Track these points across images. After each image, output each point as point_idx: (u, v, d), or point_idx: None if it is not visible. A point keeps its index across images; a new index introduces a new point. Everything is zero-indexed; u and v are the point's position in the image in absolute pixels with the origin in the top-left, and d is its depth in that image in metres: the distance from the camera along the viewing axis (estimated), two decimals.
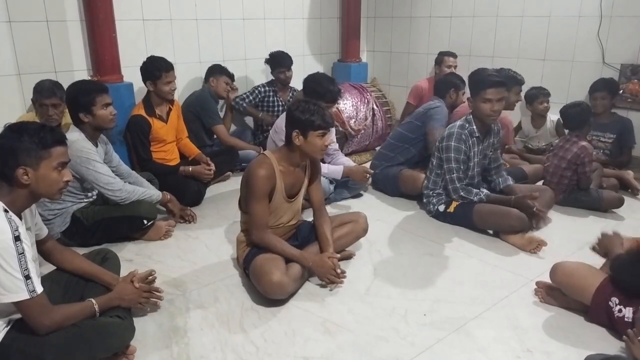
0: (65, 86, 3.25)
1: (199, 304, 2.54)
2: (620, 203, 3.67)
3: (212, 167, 3.87)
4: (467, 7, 5.19)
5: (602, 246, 2.55)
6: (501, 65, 4.60)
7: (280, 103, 4.88)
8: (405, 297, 2.61)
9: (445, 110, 3.94)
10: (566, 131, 3.87)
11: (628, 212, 3.66)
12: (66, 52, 3.97)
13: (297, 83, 4.86)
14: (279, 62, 4.78)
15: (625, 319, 2.12)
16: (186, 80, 4.66)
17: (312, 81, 3.57)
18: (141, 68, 3.79)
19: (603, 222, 3.51)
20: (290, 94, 5.00)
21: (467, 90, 3.60)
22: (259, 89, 4.84)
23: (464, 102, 4.05)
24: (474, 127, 3.32)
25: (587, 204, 3.70)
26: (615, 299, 2.17)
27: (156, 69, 3.72)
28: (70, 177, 1.97)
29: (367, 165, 4.35)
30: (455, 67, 5.02)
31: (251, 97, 4.81)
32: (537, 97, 4.55)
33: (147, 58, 3.81)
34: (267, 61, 4.85)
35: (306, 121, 2.53)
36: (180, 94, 4.51)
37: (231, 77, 4.56)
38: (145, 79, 3.78)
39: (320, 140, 2.57)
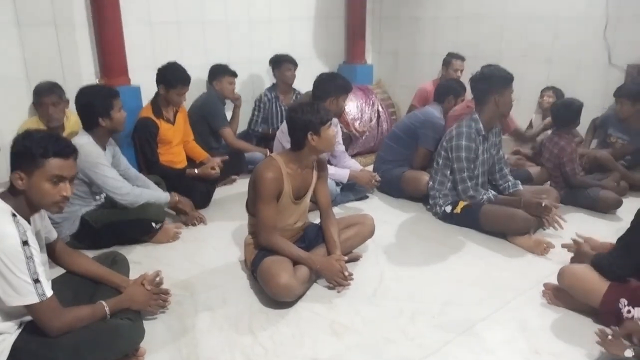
0: (72, 89, 3.26)
1: (207, 306, 2.55)
2: (617, 204, 3.61)
3: (220, 164, 3.87)
4: (473, 8, 5.18)
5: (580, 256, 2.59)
6: (508, 67, 4.57)
7: (281, 109, 4.83)
8: (413, 299, 2.61)
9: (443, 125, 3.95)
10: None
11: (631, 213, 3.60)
12: (74, 55, 3.98)
13: (301, 86, 4.89)
14: (287, 58, 4.80)
15: (635, 320, 2.11)
16: (193, 83, 4.65)
17: (324, 81, 3.58)
18: (160, 70, 3.77)
19: (609, 224, 3.49)
20: (294, 97, 4.99)
21: (469, 92, 3.61)
22: (263, 100, 4.83)
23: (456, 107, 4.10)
24: (481, 125, 3.32)
25: (584, 203, 3.68)
26: (624, 300, 2.17)
27: (174, 79, 3.71)
28: (69, 192, 1.90)
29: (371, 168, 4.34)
30: (462, 70, 5.00)
31: (261, 115, 4.83)
32: (543, 91, 4.57)
33: (169, 64, 3.78)
34: (272, 61, 4.85)
35: (314, 119, 2.56)
36: (187, 96, 4.51)
37: (233, 74, 4.49)
38: (159, 82, 3.76)
39: (331, 131, 2.62)
